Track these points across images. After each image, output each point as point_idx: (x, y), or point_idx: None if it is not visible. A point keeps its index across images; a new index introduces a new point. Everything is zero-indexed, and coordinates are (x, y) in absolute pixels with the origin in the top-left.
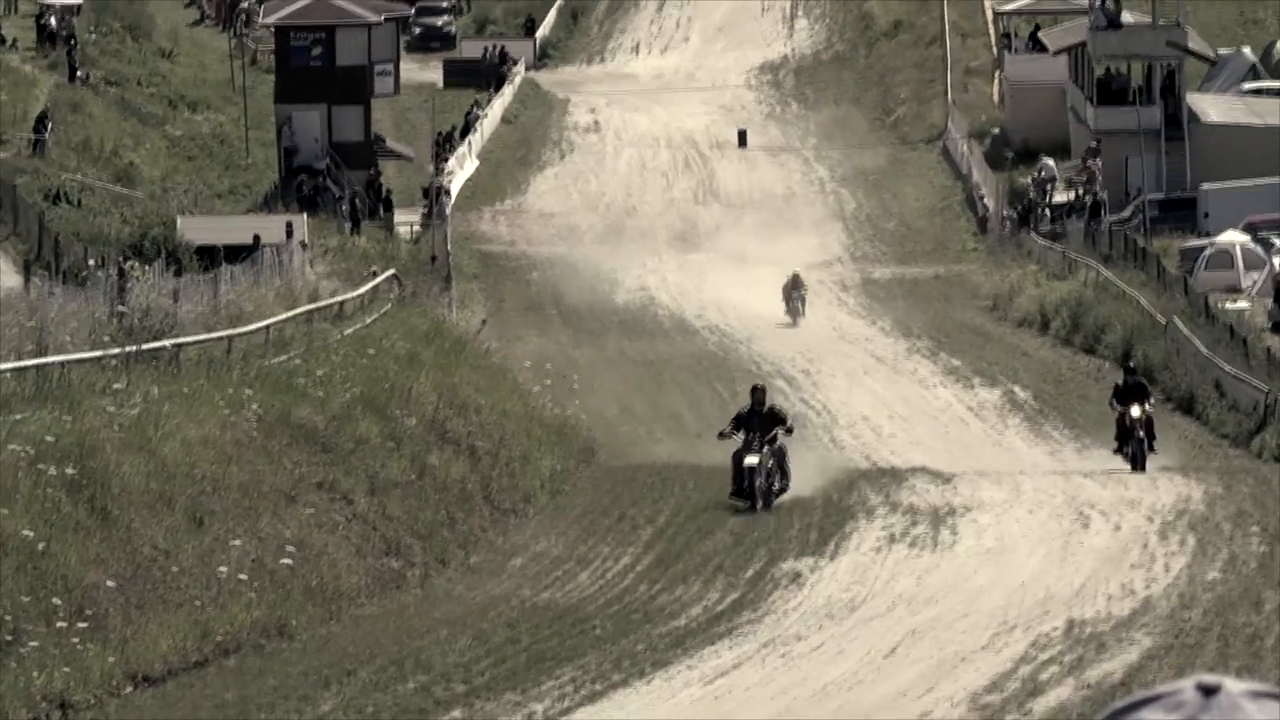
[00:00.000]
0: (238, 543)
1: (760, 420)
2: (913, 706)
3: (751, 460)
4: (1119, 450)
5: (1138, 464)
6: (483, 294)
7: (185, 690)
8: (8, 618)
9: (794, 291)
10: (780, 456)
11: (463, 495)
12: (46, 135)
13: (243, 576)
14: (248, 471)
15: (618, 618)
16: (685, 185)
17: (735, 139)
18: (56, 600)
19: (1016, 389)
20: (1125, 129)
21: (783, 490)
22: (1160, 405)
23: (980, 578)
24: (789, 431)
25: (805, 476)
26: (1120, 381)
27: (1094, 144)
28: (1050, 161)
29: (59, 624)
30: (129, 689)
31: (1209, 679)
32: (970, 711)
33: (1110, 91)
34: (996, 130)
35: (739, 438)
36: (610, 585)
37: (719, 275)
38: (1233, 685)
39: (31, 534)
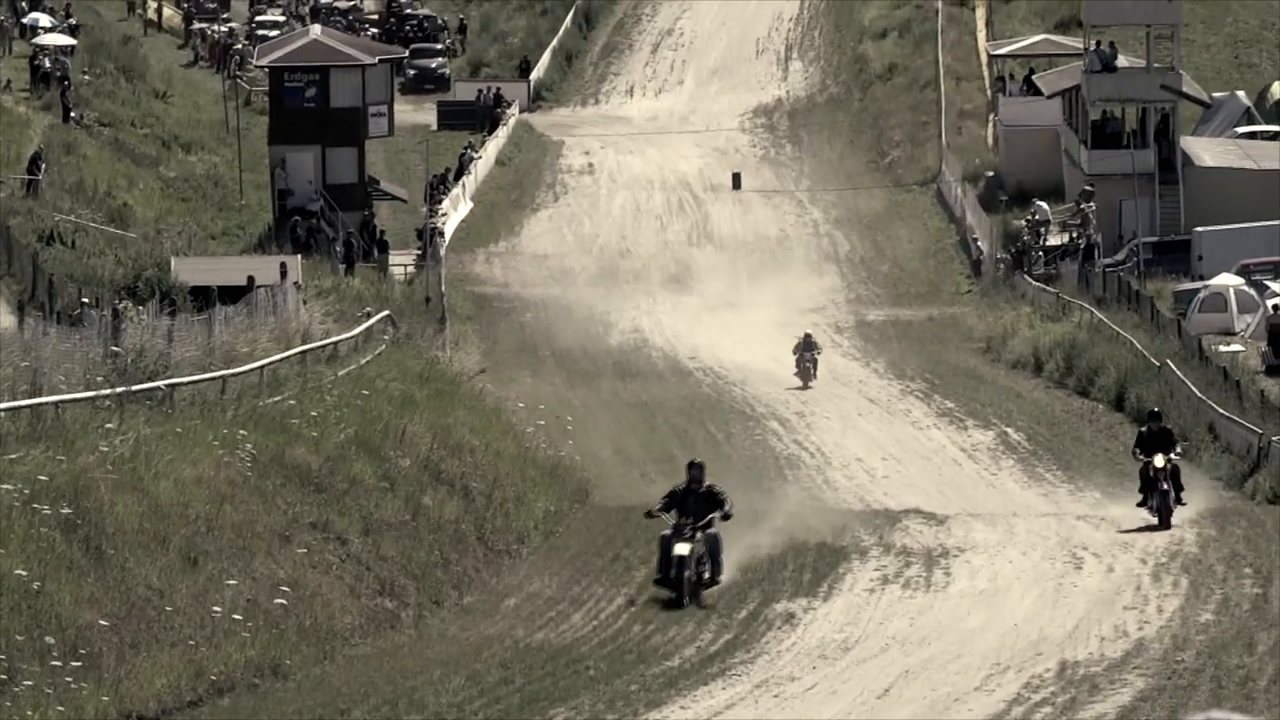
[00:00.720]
0: (232, 582)
1: (696, 501)
2: None
3: (681, 549)
4: (1144, 503)
5: (1163, 519)
6: (477, 335)
7: None
8: (2, 657)
9: (806, 353)
10: (713, 544)
11: (457, 536)
12: (40, 176)
13: (237, 616)
14: (242, 511)
15: (611, 658)
16: (679, 228)
17: (729, 181)
18: (50, 639)
19: (1010, 431)
20: (1119, 172)
21: (713, 583)
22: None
23: (973, 619)
24: (726, 517)
25: (802, 517)
26: (1144, 429)
27: (1088, 187)
28: (1044, 204)
29: (53, 663)
30: None
31: (1219, 715)
32: None
33: (1104, 135)
34: (990, 173)
35: (670, 519)
36: (604, 626)
37: (713, 318)
38: None
39: (26, 573)
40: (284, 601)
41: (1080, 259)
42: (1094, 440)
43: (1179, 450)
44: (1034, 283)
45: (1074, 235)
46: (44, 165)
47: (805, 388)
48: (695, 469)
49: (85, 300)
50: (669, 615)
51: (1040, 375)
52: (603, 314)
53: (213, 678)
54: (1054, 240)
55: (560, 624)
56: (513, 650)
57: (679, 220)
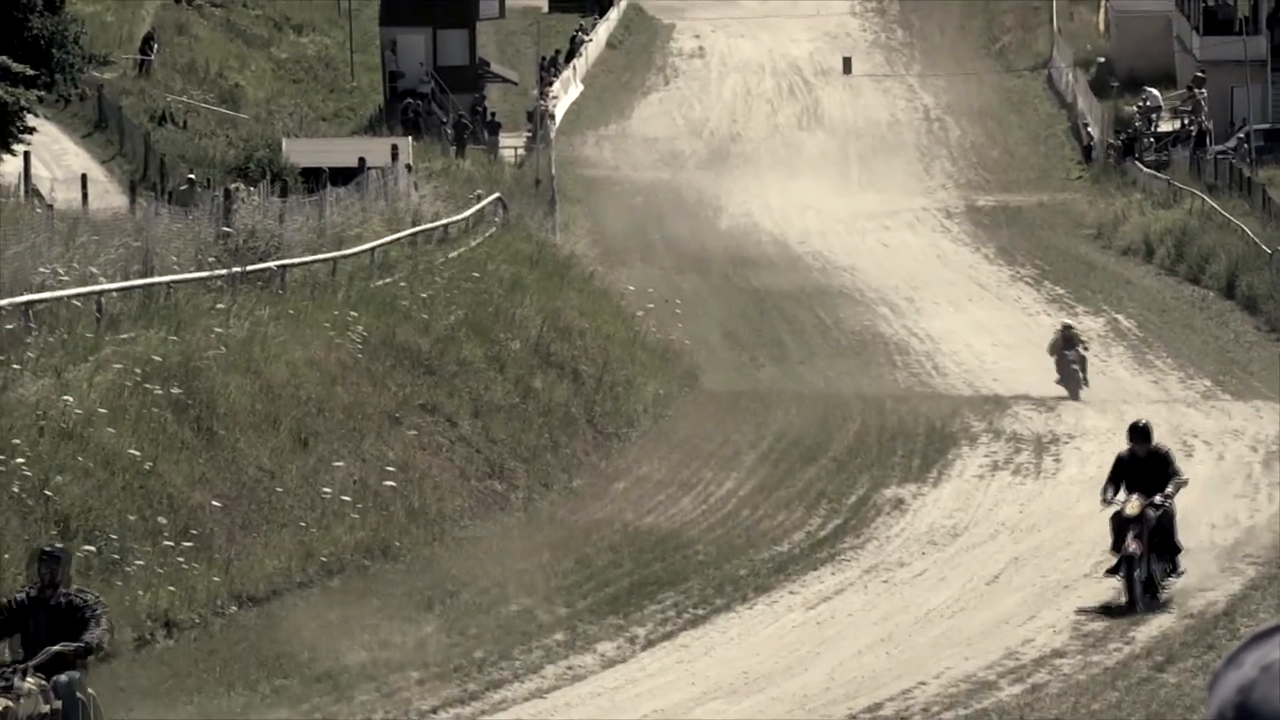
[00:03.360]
0: (341, 464)
1: (49, 619)
2: (1015, 633)
3: None
4: (1115, 569)
5: (1131, 598)
6: (586, 218)
7: (289, 610)
8: (115, 536)
9: (1067, 351)
10: (66, 697)
11: (566, 419)
12: (152, 56)
13: (346, 498)
14: (352, 393)
15: (720, 542)
16: (789, 112)
17: (840, 66)
18: (162, 519)
19: (1120, 318)
20: (1231, 59)
21: None
22: (1265, 335)
23: (1083, 506)
24: (88, 651)
25: (911, 402)
26: (1124, 453)
27: (1200, 73)
28: (1155, 90)
29: (165, 543)
30: (233, 608)
31: None
32: (1073, 639)
33: (1216, 21)
34: (1102, 59)
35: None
36: (713, 510)
37: (823, 203)
38: None
39: (138, 453)
40: (393, 483)
41: (1192, 146)
42: (1204, 328)
43: (1170, 489)
44: (1145, 169)
45: (1185, 122)
46: (156, 46)
47: (1074, 399)
48: (47, 564)
49: (192, 177)
50: (778, 499)
51: (1151, 262)
52: (712, 198)
53: (323, 559)
54: (1165, 127)
55: (669, 508)
56: (622, 534)
57: (789, 104)
